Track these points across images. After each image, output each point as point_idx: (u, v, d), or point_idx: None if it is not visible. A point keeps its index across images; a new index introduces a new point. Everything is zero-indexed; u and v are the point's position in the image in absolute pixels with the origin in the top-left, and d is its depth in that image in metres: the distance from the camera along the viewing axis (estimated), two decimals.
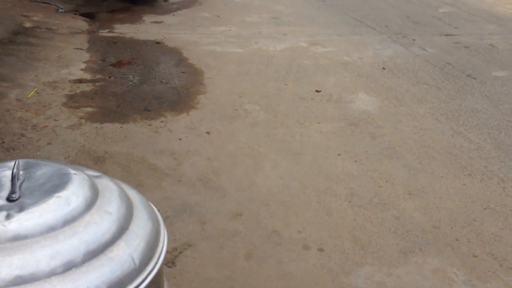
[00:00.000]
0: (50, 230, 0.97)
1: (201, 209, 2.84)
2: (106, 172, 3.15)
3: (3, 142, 3.36)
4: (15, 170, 1.06)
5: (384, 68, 5.29)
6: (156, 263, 1.09)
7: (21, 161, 1.14)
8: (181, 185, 3.07)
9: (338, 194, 3.02)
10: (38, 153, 3.30)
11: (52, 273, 0.93)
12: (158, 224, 1.19)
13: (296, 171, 3.28)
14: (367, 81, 4.93)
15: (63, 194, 1.04)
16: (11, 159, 3.31)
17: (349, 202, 2.96)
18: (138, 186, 3.02)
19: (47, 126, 3.65)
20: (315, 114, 4.12)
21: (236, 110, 4.15)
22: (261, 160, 3.40)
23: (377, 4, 8.69)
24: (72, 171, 1.12)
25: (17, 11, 6.33)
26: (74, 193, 1.05)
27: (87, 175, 1.16)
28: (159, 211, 2.85)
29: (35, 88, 4.23)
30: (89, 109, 3.99)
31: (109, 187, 1.15)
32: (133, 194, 1.22)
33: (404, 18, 7.65)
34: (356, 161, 3.40)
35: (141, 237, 1.08)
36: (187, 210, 2.83)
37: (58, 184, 1.06)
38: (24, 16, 6.14)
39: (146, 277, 1.04)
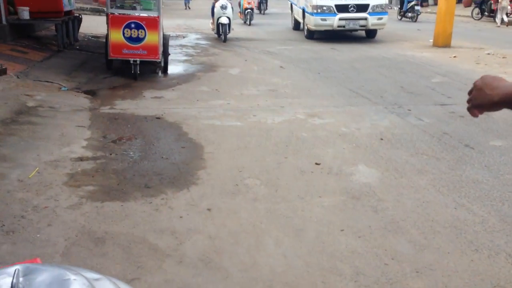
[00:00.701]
0: None
1: None
2: (106, 254, 3.11)
3: (3, 225, 3.32)
4: (14, 280, 1.03)
5: (382, 139, 5.35)
6: None
7: (21, 267, 1.11)
8: (183, 266, 3.00)
9: (343, 274, 2.94)
10: (38, 235, 3.25)
11: None
12: None
13: (299, 248, 3.22)
14: (366, 152, 4.96)
15: None
16: (11, 243, 3.24)
17: (355, 281, 2.87)
18: (139, 269, 2.95)
19: (47, 207, 3.62)
20: (316, 188, 4.11)
21: (237, 185, 4.14)
22: (263, 238, 3.34)
23: (371, 75, 8.94)
24: (72, 277, 1.09)
25: (21, 90, 6.49)
26: None
27: (87, 279, 1.12)
28: None
29: (36, 167, 4.24)
30: (90, 188, 3.98)
31: None
32: None
33: (398, 89, 7.84)
34: (360, 237, 3.35)
35: None
36: None
37: None
38: (27, 95, 6.29)
39: None
